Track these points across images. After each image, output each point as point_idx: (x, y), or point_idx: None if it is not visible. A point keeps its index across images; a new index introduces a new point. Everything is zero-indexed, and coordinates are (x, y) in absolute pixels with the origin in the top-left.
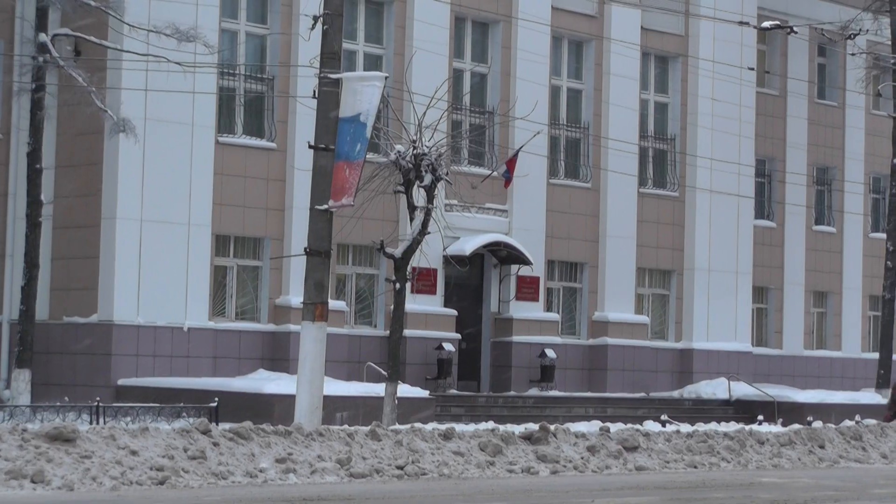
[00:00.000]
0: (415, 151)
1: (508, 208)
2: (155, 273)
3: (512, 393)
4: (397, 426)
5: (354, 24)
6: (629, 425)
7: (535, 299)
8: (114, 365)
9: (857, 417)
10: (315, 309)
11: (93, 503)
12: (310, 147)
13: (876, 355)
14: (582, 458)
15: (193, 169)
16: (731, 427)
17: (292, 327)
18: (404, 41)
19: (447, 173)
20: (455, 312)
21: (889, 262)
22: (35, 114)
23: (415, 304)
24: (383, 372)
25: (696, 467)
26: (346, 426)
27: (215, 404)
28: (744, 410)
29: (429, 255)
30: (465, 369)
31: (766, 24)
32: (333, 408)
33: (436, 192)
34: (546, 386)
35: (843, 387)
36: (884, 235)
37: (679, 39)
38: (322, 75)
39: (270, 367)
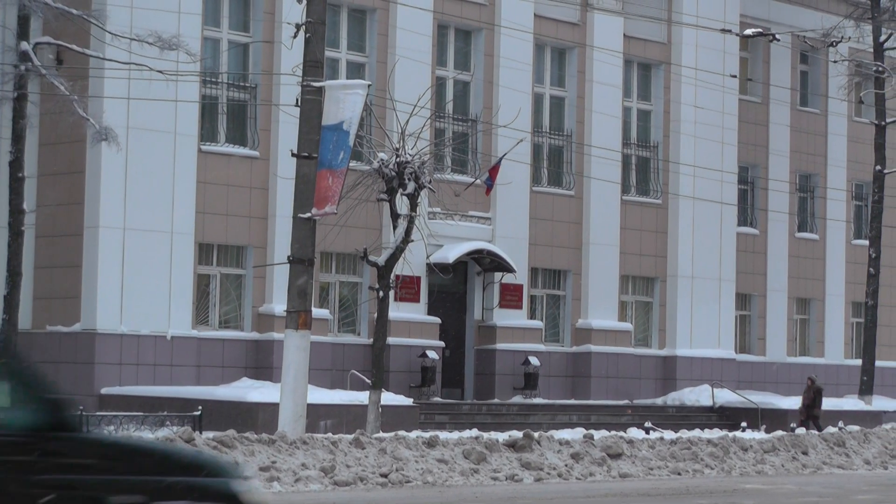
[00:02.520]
0: (398, 159)
1: (492, 216)
2: (138, 282)
3: (496, 400)
4: (381, 434)
5: (337, 32)
6: (613, 432)
7: (519, 307)
8: (97, 374)
9: (840, 424)
10: (298, 317)
11: None
12: (293, 155)
13: (859, 362)
14: (566, 465)
15: (176, 177)
16: (715, 434)
17: (276, 335)
18: (387, 49)
19: (430, 181)
20: (438, 320)
21: (871, 269)
22: (17, 122)
23: (398, 311)
24: (367, 380)
25: (679, 474)
26: (329, 434)
27: (199, 413)
28: (727, 417)
29: (412, 263)
30: (448, 377)
31: (748, 31)
32: (317, 416)
33: (419, 200)
34: (530, 393)
35: (826, 393)
36: (866, 242)
37: (661, 47)
38: (305, 83)
39: (254, 376)
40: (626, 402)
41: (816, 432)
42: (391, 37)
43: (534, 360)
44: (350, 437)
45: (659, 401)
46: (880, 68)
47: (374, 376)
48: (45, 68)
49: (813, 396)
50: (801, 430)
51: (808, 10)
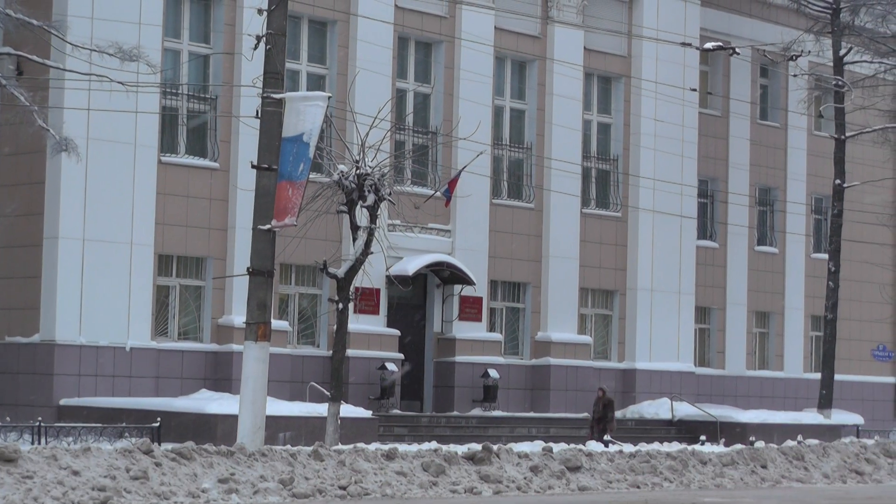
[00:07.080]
0: (358, 171)
1: (451, 228)
2: (97, 293)
3: (455, 413)
4: (340, 446)
5: (297, 43)
6: (572, 445)
7: (478, 319)
8: (56, 385)
9: (800, 437)
10: (258, 329)
11: None
12: (253, 167)
13: (818, 375)
14: (525, 478)
15: (136, 188)
16: (674, 447)
17: (235, 347)
18: (347, 61)
19: (390, 193)
20: (398, 332)
21: (831, 283)
22: None
23: (357, 324)
24: (326, 392)
25: (638, 487)
26: (288, 446)
27: (157, 424)
28: (686, 431)
29: (371, 276)
30: (407, 389)
31: (708, 45)
32: (276, 428)
33: (379, 212)
34: (489, 406)
35: (786, 407)
36: (826, 256)
37: (622, 60)
38: (265, 95)
39: (213, 387)
40: (584, 415)
41: (605, 447)
42: (352, 49)
43: (493, 373)
44: (309, 449)
45: (618, 414)
46: (840, 82)
47: (333, 388)
48: (4, 79)
49: (603, 409)
50: (592, 445)
51: (768, 24)
